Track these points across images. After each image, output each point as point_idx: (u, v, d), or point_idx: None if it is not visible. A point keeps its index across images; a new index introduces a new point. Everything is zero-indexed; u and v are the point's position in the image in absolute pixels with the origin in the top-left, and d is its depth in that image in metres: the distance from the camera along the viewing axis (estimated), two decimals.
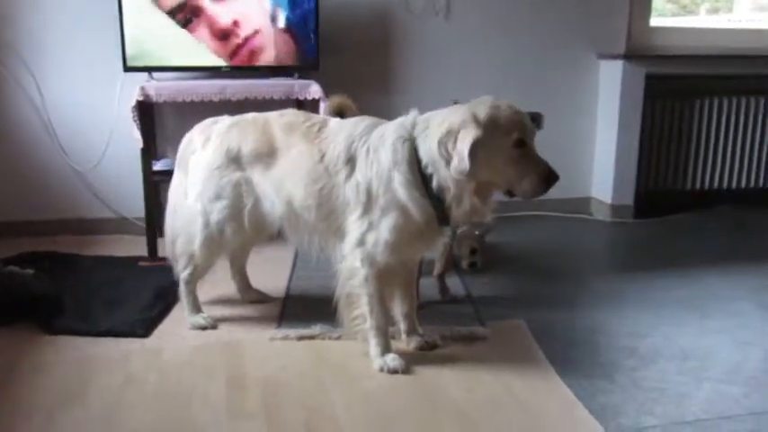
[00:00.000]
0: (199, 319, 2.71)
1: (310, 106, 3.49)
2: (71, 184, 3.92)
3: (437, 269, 3.00)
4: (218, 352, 2.51)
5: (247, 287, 2.99)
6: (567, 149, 4.41)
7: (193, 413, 2.09)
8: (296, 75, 3.69)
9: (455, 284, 3.13)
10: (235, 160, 2.53)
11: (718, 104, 4.46)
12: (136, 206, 3.77)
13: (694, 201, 4.58)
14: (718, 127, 4.49)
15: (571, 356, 2.47)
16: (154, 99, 3.44)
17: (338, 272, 2.41)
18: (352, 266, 2.34)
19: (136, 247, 3.68)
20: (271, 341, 2.58)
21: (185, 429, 2.01)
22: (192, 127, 2.71)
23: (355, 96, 3.06)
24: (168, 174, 2.97)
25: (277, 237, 2.70)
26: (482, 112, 2.15)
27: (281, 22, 3.26)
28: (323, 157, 2.38)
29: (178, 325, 2.72)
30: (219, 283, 3.00)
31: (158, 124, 3.91)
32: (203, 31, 3.52)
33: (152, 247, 3.58)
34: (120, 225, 3.98)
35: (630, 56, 4.25)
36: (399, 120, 2.34)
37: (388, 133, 2.31)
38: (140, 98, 3.39)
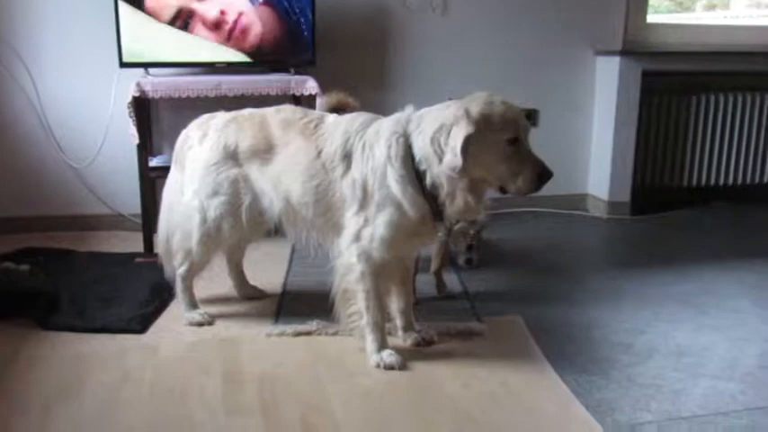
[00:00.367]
0: (195, 316, 2.71)
1: (307, 102, 3.49)
2: (67, 181, 3.91)
3: (434, 265, 3.01)
4: (215, 348, 2.50)
5: (244, 283, 2.99)
6: (563, 146, 4.41)
7: (190, 409, 2.08)
8: (292, 70, 3.69)
9: (452, 281, 3.13)
10: (232, 156, 2.53)
11: (714, 101, 4.46)
12: (132, 202, 3.77)
13: (691, 197, 4.59)
14: (715, 123, 4.50)
15: (567, 352, 2.48)
16: (150, 95, 3.43)
17: (335, 268, 2.41)
18: (348, 262, 2.34)
19: (132, 243, 3.68)
20: (267, 337, 2.58)
21: (182, 425, 2.01)
22: (188, 123, 2.71)
23: (351, 92, 3.06)
24: (164, 170, 2.96)
25: (274, 233, 2.70)
26: (475, 109, 2.14)
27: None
28: (320, 153, 2.38)
29: (174, 321, 2.72)
30: (216, 279, 3.00)
31: (154, 120, 3.90)
32: (200, 28, 3.57)
33: (148, 243, 3.57)
34: (115, 221, 3.97)
35: (627, 52, 4.25)
36: (395, 116, 2.34)
37: (383, 129, 2.31)
38: (136, 94, 3.38)
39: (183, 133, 2.69)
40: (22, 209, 3.88)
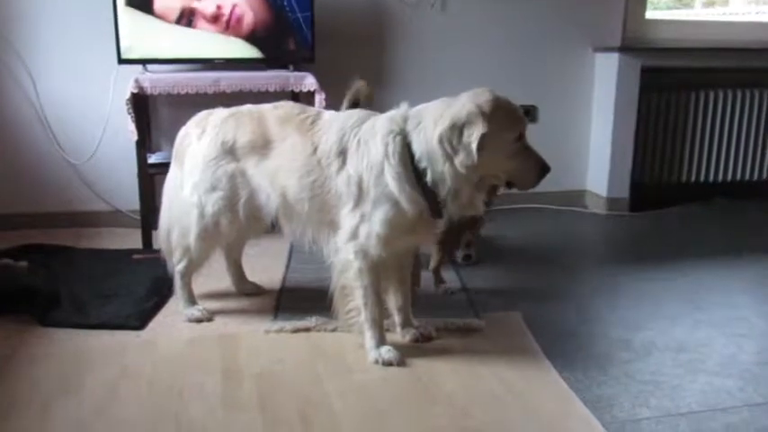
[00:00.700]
0: (194, 312, 2.71)
1: (305, 98, 3.48)
2: (65, 177, 3.91)
3: (432, 262, 3.01)
4: (214, 344, 2.50)
5: (243, 279, 2.99)
6: (562, 142, 4.41)
7: (188, 405, 2.08)
8: (291, 67, 3.69)
9: (450, 277, 3.13)
10: (230, 152, 2.53)
11: (713, 97, 4.46)
12: (130, 199, 3.77)
13: (689, 193, 4.59)
14: (714, 120, 4.50)
15: (566, 348, 2.48)
16: (148, 91, 3.42)
17: (333, 265, 2.41)
18: (345, 259, 2.34)
19: (130, 239, 3.68)
20: (266, 333, 2.58)
21: (180, 421, 2.01)
22: (186, 119, 2.70)
23: (349, 88, 3.06)
24: (163, 166, 2.96)
25: (272, 229, 2.70)
26: (487, 107, 2.15)
27: None
28: (316, 149, 2.38)
29: (173, 317, 2.72)
30: (215, 275, 2.99)
31: (153, 117, 3.89)
32: (201, 23, 3.62)
33: (147, 239, 3.58)
34: (114, 218, 3.97)
35: (626, 48, 4.25)
36: (390, 113, 2.34)
37: (378, 126, 2.31)
38: (135, 90, 3.38)
39: (183, 130, 2.69)
40: (20, 205, 3.88)
